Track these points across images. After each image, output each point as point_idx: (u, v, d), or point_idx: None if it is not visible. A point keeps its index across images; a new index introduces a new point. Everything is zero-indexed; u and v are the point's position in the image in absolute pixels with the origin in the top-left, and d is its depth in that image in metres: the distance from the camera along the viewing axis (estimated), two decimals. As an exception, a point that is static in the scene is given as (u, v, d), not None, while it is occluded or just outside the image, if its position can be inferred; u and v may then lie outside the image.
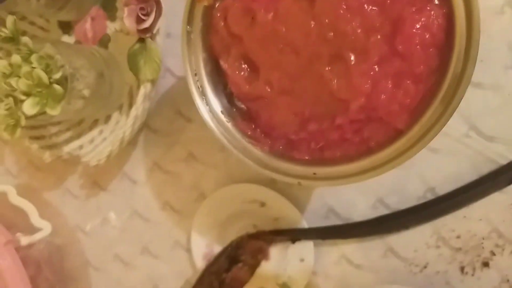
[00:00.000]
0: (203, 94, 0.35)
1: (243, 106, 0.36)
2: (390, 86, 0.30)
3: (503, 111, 0.41)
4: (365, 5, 0.30)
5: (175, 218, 0.51)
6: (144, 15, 0.41)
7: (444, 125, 0.29)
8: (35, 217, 0.49)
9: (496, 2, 0.40)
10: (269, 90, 0.33)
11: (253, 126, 0.35)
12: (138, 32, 0.42)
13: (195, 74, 0.34)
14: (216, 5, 0.34)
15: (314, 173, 0.33)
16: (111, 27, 0.49)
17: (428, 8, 0.29)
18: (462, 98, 0.29)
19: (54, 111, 0.40)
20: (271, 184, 0.47)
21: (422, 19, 0.29)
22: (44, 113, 0.39)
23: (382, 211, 0.45)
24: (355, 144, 0.33)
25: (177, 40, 0.35)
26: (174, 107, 0.50)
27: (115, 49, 0.49)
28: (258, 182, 0.47)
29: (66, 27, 0.52)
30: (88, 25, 0.51)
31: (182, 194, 0.51)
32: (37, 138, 0.50)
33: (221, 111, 0.35)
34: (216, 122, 0.34)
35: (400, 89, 0.30)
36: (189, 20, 0.34)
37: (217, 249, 0.48)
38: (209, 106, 0.35)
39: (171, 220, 0.51)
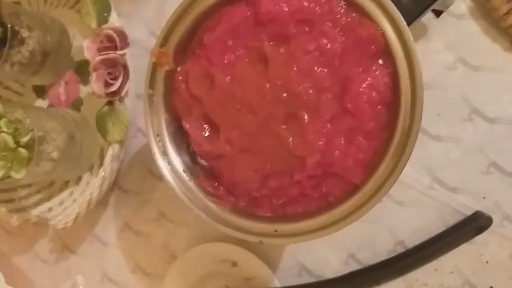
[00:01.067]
0: (165, 153, 0.35)
1: (205, 164, 0.36)
2: (343, 142, 0.31)
3: (463, 162, 0.43)
4: (315, 67, 0.31)
5: (145, 281, 0.50)
6: (112, 79, 0.42)
7: (397, 179, 0.30)
8: (2, 284, 0.47)
9: (448, 58, 0.43)
10: (229, 148, 0.34)
11: (215, 184, 0.36)
12: (106, 95, 0.43)
13: (157, 135, 0.35)
14: (178, 69, 0.36)
15: (276, 230, 0.33)
16: (84, 90, 0.51)
17: (374, 68, 0.31)
18: (411, 152, 0.30)
19: (19, 175, 0.41)
20: (242, 242, 0.46)
21: (369, 79, 0.31)
22: (9, 176, 0.40)
23: (354, 267, 0.45)
24: (315, 199, 0.33)
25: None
26: (146, 166, 0.51)
27: (88, 112, 0.50)
28: (230, 241, 0.46)
29: (40, 91, 0.53)
30: (61, 89, 0.52)
31: (153, 256, 0.50)
32: (6, 201, 0.49)
33: (183, 170, 0.35)
34: (178, 181, 0.35)
35: (353, 145, 0.31)
36: (151, 83, 0.35)
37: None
38: (171, 165, 0.35)
39: (141, 283, 0.50)
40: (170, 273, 0.47)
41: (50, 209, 0.49)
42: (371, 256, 0.44)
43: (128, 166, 0.51)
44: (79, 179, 0.50)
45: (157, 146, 0.35)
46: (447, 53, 0.43)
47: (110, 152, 0.44)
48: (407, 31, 0.30)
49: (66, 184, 0.50)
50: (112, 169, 0.44)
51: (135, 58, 0.44)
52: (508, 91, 0.42)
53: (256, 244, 0.46)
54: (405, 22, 0.30)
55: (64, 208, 0.48)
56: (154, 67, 0.36)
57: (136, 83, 0.45)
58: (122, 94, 0.43)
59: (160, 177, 0.49)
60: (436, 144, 0.43)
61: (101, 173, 0.44)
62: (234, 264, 0.46)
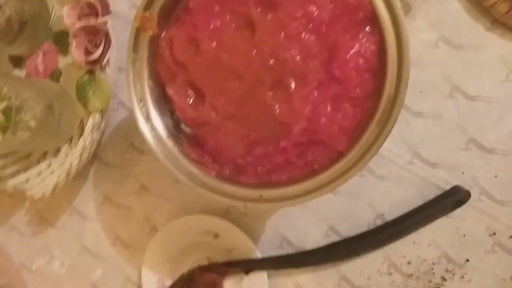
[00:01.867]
0: (148, 119, 0.35)
1: (190, 132, 0.36)
2: (329, 109, 0.31)
3: (443, 138, 0.43)
4: (303, 34, 0.31)
5: (125, 253, 0.50)
6: (93, 46, 0.41)
7: (381, 146, 0.30)
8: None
9: (431, 36, 0.43)
10: (214, 115, 0.34)
11: (200, 152, 0.35)
12: (87, 63, 0.42)
13: (140, 100, 0.35)
14: (162, 35, 0.35)
15: (260, 196, 0.33)
16: (62, 61, 0.49)
17: (361, 36, 0.31)
18: (396, 120, 0.30)
19: (-5, 142, 0.39)
20: (225, 214, 0.47)
21: (356, 46, 0.31)
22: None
23: (334, 239, 0.45)
24: (300, 167, 0.33)
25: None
26: (127, 139, 0.50)
27: (67, 83, 0.49)
28: (212, 213, 0.46)
29: (17, 61, 0.52)
30: (39, 59, 0.51)
31: (134, 228, 0.50)
32: (-19, 172, 0.48)
33: (167, 136, 0.35)
34: (161, 147, 0.34)
35: (339, 112, 0.31)
36: (135, 48, 0.35)
37: (169, 284, 0.47)
38: (154, 131, 0.35)
39: (121, 256, 0.50)
40: (151, 246, 0.47)
41: (27, 180, 0.47)
42: (351, 229, 0.45)
43: (109, 139, 0.50)
44: (57, 150, 0.49)
45: (140, 111, 0.35)
46: (430, 32, 0.43)
47: (90, 122, 0.43)
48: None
49: (44, 155, 0.49)
50: (92, 139, 0.43)
51: (117, 30, 0.43)
52: (488, 70, 0.43)
53: (238, 216, 0.46)
54: (392, -10, 0.30)
55: (42, 179, 0.47)
56: (138, 32, 0.35)
57: (118, 56, 0.44)
58: (103, 62, 0.42)
59: (142, 151, 0.49)
60: (417, 120, 0.44)
61: (81, 142, 0.43)
62: (216, 235, 0.46)
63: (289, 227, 0.46)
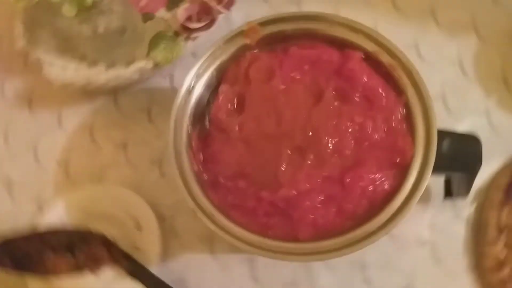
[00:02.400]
0: (189, 92, 0.37)
1: (206, 128, 0.38)
2: (319, 200, 0.33)
3: None
4: (348, 134, 0.34)
5: (59, 177, 0.50)
6: (196, 19, 0.45)
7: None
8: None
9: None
10: (236, 130, 0.36)
11: (201, 146, 0.37)
12: (181, 26, 0.46)
13: (191, 86, 0.38)
14: (252, 50, 0.39)
15: (213, 215, 0.34)
16: (161, 12, 0.53)
17: (386, 173, 0.34)
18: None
19: (70, 12, 0.43)
20: (162, 216, 0.46)
21: (376, 176, 0.33)
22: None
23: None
24: (257, 223, 0.34)
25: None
26: (147, 103, 0.52)
27: (150, 29, 0.52)
28: (156, 205, 0.46)
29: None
30: (145, -1, 0.55)
31: (86, 165, 0.50)
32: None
33: (189, 116, 0.37)
34: (179, 122, 0.37)
35: (323, 209, 0.33)
36: (226, 40, 0.38)
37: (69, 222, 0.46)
38: (185, 103, 0.37)
39: (53, 176, 0.50)
40: (80, 189, 0.48)
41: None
42: None
43: (135, 91, 0.52)
44: (95, 63, 0.51)
45: (188, 83, 0.38)
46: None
47: (141, 64, 0.45)
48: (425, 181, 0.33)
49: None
50: (129, 79, 0.46)
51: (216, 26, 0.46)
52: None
53: (174, 227, 0.46)
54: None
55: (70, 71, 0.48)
56: (238, 34, 0.39)
57: (201, 43, 0.47)
58: (192, 36, 0.46)
59: (151, 120, 0.51)
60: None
61: (120, 72, 0.45)
62: (139, 228, 0.45)
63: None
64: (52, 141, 0.51)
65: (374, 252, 0.44)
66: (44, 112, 0.53)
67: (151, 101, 0.52)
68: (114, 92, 0.52)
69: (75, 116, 0.52)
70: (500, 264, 0.42)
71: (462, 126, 0.47)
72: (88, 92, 0.51)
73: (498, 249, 0.43)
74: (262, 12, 0.50)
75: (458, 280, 0.44)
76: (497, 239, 0.43)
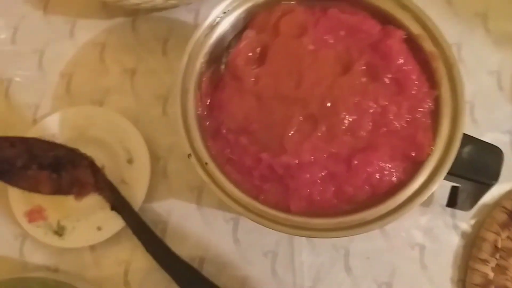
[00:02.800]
0: (212, 27, 0.35)
1: (222, 72, 0.36)
2: (320, 175, 0.31)
3: None
4: (368, 114, 0.32)
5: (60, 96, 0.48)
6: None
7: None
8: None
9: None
10: (251, 81, 0.33)
11: (210, 90, 0.35)
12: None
13: (216, 22, 0.35)
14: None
15: (206, 163, 0.32)
16: None
17: (397, 164, 0.31)
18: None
19: None
20: (157, 157, 0.45)
21: (386, 165, 0.31)
22: None
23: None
24: (251, 184, 0.32)
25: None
26: (166, 33, 0.49)
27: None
28: (155, 144, 0.45)
29: None
30: None
31: (88, 81, 0.48)
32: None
33: (206, 54, 0.35)
34: (192, 58, 0.34)
35: (321, 186, 0.31)
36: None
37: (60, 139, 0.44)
38: (206, 39, 0.35)
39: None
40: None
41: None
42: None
43: (156, 19, 0.49)
44: None
45: (213, 18, 0.35)
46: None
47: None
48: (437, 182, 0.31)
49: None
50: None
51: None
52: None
53: (168, 175, 0.45)
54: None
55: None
56: None
57: None
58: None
59: (166, 53, 0.48)
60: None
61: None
62: (130, 161, 0.44)
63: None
64: (60, 51, 0.49)
65: (361, 242, 0.43)
66: (58, 18, 0.50)
67: (170, 32, 0.49)
68: (134, 14, 0.49)
69: (89, 31, 0.50)
70: (487, 283, 0.41)
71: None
72: (108, 8, 0.48)
73: (489, 268, 0.41)
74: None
75: (439, 289, 0.42)
76: (491, 258, 0.41)
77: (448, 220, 0.44)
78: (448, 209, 0.43)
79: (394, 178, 0.31)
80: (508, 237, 0.42)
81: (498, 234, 0.42)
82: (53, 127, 0.45)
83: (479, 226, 0.43)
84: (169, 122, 0.46)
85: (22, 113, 0.47)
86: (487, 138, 0.44)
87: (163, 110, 0.47)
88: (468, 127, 0.43)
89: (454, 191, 0.41)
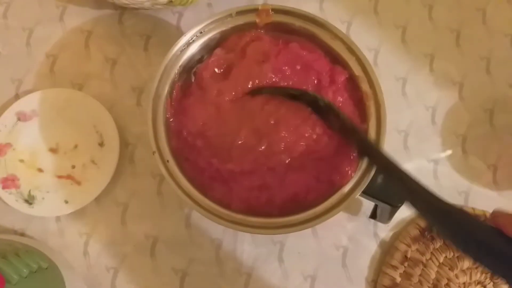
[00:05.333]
0: (188, 44, 0.40)
1: (191, 81, 0.41)
2: (257, 184, 0.38)
3: None
4: (303, 140, 0.38)
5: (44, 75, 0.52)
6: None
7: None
8: None
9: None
10: (214, 94, 0.39)
11: (179, 96, 0.40)
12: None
13: (191, 39, 0.40)
14: (258, 29, 0.41)
15: (167, 161, 0.37)
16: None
17: (320, 184, 0.38)
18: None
19: None
20: (130, 146, 0.50)
21: (312, 184, 0.38)
22: None
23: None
24: (202, 182, 0.38)
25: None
26: (149, 31, 0.53)
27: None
28: (126, 132, 0.49)
29: None
30: None
31: (81, 66, 0.52)
32: None
33: (180, 66, 0.40)
34: (168, 69, 0.40)
35: (257, 193, 0.38)
36: (241, 12, 0.41)
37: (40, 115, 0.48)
38: (181, 54, 0.40)
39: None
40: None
41: None
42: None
43: (142, 17, 0.54)
44: None
45: (189, 36, 0.40)
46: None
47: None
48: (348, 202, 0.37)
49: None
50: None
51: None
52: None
53: (136, 164, 0.50)
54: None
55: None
56: (251, 10, 0.41)
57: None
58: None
59: (146, 48, 0.53)
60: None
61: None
62: (101, 145, 0.48)
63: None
64: (48, 32, 0.53)
65: (296, 239, 0.49)
66: (50, 1, 0.54)
67: (153, 30, 0.53)
68: (123, 8, 0.53)
69: (78, 17, 0.54)
70: (394, 286, 0.48)
71: (410, 165, 0.51)
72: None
73: (397, 274, 0.48)
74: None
75: (355, 286, 0.49)
76: (400, 266, 0.48)
77: (370, 229, 0.50)
78: (372, 220, 0.50)
79: (316, 196, 0.37)
80: (417, 250, 0.49)
81: (409, 246, 0.49)
82: (34, 103, 0.49)
83: (396, 238, 0.50)
84: (141, 113, 0.51)
85: (6, 86, 0.51)
86: (414, 163, 0.52)
87: (137, 101, 0.51)
88: (399, 153, 0.52)
89: (375, 207, 0.48)
